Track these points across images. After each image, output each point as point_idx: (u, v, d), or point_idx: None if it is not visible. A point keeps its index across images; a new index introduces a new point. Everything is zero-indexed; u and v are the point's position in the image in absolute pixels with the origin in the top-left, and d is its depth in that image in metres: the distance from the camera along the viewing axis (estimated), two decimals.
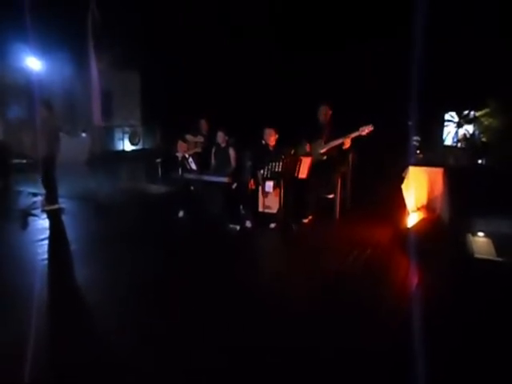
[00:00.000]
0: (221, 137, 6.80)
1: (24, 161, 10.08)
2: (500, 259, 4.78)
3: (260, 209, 6.51)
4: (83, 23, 12.02)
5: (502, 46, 8.36)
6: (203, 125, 8.06)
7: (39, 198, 7.40)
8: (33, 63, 11.93)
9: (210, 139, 7.43)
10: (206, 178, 6.53)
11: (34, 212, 6.86)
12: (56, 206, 6.99)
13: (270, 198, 6.41)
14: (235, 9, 11.02)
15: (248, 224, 6.20)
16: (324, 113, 6.50)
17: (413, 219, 6.01)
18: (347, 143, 6.19)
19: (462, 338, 3.23)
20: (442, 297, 3.90)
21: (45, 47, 10.98)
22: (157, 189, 8.91)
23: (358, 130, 6.12)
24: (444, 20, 8.11)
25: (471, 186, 5.62)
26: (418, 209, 6.17)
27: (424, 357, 2.79)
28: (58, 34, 10.51)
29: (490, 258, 4.85)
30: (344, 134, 6.18)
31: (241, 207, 6.49)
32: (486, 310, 3.67)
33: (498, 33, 8.46)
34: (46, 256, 4.97)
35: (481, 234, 5.25)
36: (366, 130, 6.09)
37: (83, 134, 13.55)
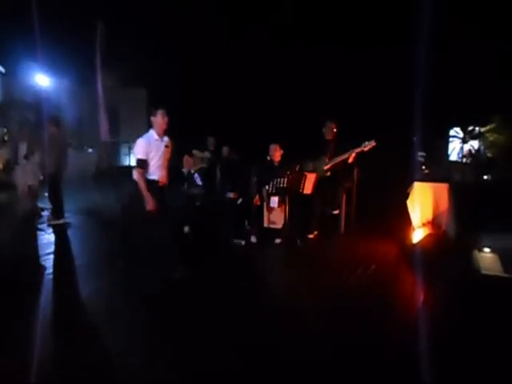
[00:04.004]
0: (226, 152, 6.86)
1: None
2: (507, 275, 4.74)
3: (265, 224, 6.51)
4: (91, 41, 12.22)
5: (507, 62, 8.42)
6: (211, 141, 8.13)
7: (46, 213, 7.44)
8: (41, 80, 12.12)
9: (216, 155, 7.48)
10: (212, 193, 6.57)
11: (41, 226, 6.89)
12: (62, 221, 7.01)
13: (275, 214, 6.41)
14: (242, 26, 11.20)
15: (253, 239, 6.20)
16: (330, 130, 6.54)
17: (418, 235, 5.99)
18: (351, 158, 6.22)
19: (469, 354, 3.19)
20: (448, 313, 3.86)
21: (53, 65, 11.16)
22: None
23: (360, 146, 6.17)
24: (449, 37, 8.20)
25: (477, 201, 5.61)
26: (424, 224, 6.14)
27: (431, 371, 2.77)
28: (67, 52, 10.70)
29: (497, 274, 4.81)
30: (347, 150, 6.22)
31: (246, 222, 6.50)
32: (493, 327, 3.63)
33: (503, 50, 8.53)
34: (51, 270, 4.99)
35: (487, 249, 5.21)
36: (368, 146, 6.14)
37: (90, 150, 13.68)
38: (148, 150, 4.66)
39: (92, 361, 3.09)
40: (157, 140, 4.74)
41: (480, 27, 8.60)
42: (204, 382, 2.91)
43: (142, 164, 4.66)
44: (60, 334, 3.50)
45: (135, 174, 4.76)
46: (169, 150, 4.92)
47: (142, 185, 4.61)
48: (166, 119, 4.74)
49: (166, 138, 4.86)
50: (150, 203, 4.58)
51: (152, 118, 4.76)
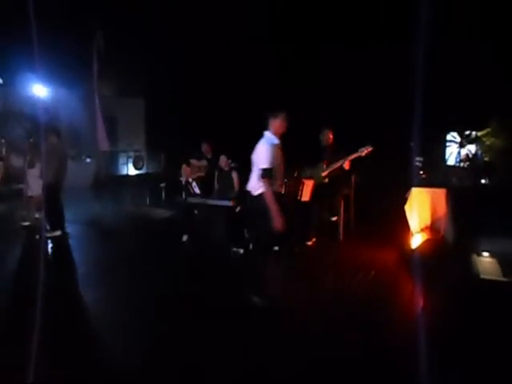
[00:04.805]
0: (223, 161, 6.85)
1: None
2: (506, 279, 4.74)
3: None
4: (89, 51, 12.27)
5: (503, 65, 8.46)
6: (205, 148, 8.13)
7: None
8: (40, 90, 12.16)
9: (214, 163, 7.48)
10: (210, 201, 6.56)
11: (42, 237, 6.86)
12: (58, 233, 6.81)
13: None
14: (237, 35, 11.26)
15: (252, 247, 6.19)
16: (327, 137, 6.58)
17: (417, 240, 5.99)
18: (347, 165, 6.24)
19: (468, 359, 3.19)
20: (447, 318, 3.86)
21: (51, 75, 11.20)
22: (161, 213, 8.94)
23: (357, 151, 6.19)
24: (446, 41, 8.24)
25: (475, 205, 5.62)
26: (422, 230, 6.15)
27: (430, 376, 2.76)
28: (65, 62, 10.74)
29: (496, 278, 4.81)
30: (344, 156, 6.25)
31: (245, 231, 6.49)
32: (492, 331, 3.63)
33: (499, 53, 8.58)
34: (51, 280, 4.97)
35: (486, 254, 5.21)
36: (365, 151, 6.16)
37: (88, 159, 13.71)
38: (273, 156, 4.09)
39: (92, 364, 3.12)
40: (277, 145, 4.23)
41: (478, 31, 8.65)
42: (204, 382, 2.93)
43: (270, 174, 4.03)
44: (61, 340, 3.49)
45: (261, 187, 4.08)
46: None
47: (271, 199, 4.01)
48: (285, 124, 4.28)
49: None
50: (278, 221, 4.02)
51: (271, 120, 4.26)
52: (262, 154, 4.12)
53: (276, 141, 4.23)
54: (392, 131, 8.64)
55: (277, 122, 4.24)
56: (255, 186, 4.20)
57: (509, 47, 8.40)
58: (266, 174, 4.02)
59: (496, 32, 8.56)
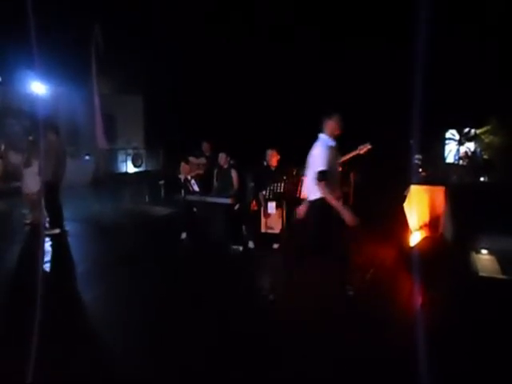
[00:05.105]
0: (222, 158, 6.84)
1: None
2: (505, 277, 4.75)
3: (262, 229, 6.51)
4: (87, 48, 12.24)
5: (503, 64, 8.46)
6: (206, 146, 8.13)
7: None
8: (38, 88, 12.13)
9: (213, 161, 7.47)
10: (209, 199, 6.56)
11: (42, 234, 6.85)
12: (57, 231, 6.85)
13: (272, 219, 6.41)
14: (236, 34, 11.24)
15: (251, 245, 6.20)
16: None
17: (415, 238, 6.00)
18: (345, 161, 6.25)
19: (467, 357, 3.20)
20: (446, 315, 3.87)
21: (50, 72, 11.16)
22: (160, 210, 8.94)
23: (356, 148, 6.18)
24: (446, 40, 8.23)
25: (474, 203, 5.62)
26: (421, 227, 6.15)
27: (428, 373, 2.77)
28: (63, 60, 10.71)
29: (495, 275, 4.82)
30: (343, 154, 6.24)
31: (243, 228, 6.50)
32: (491, 328, 3.63)
33: (498, 51, 8.57)
34: (50, 278, 4.98)
35: (485, 251, 5.22)
36: (364, 149, 6.15)
37: (87, 157, 13.69)
38: (329, 159, 3.97)
39: (92, 364, 3.12)
40: (332, 147, 4.12)
41: (478, 28, 8.64)
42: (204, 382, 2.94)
43: (326, 176, 3.90)
44: (61, 339, 3.49)
45: (317, 191, 3.97)
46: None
47: (333, 200, 3.93)
48: (340, 125, 4.15)
49: None
50: (350, 217, 3.90)
51: (326, 121, 4.15)
52: (318, 157, 4.02)
53: (331, 142, 4.12)
54: (391, 129, 8.64)
55: (332, 124, 4.14)
56: (311, 190, 4.14)
57: (509, 47, 8.40)
58: (323, 177, 3.91)
59: (496, 32, 8.55)
